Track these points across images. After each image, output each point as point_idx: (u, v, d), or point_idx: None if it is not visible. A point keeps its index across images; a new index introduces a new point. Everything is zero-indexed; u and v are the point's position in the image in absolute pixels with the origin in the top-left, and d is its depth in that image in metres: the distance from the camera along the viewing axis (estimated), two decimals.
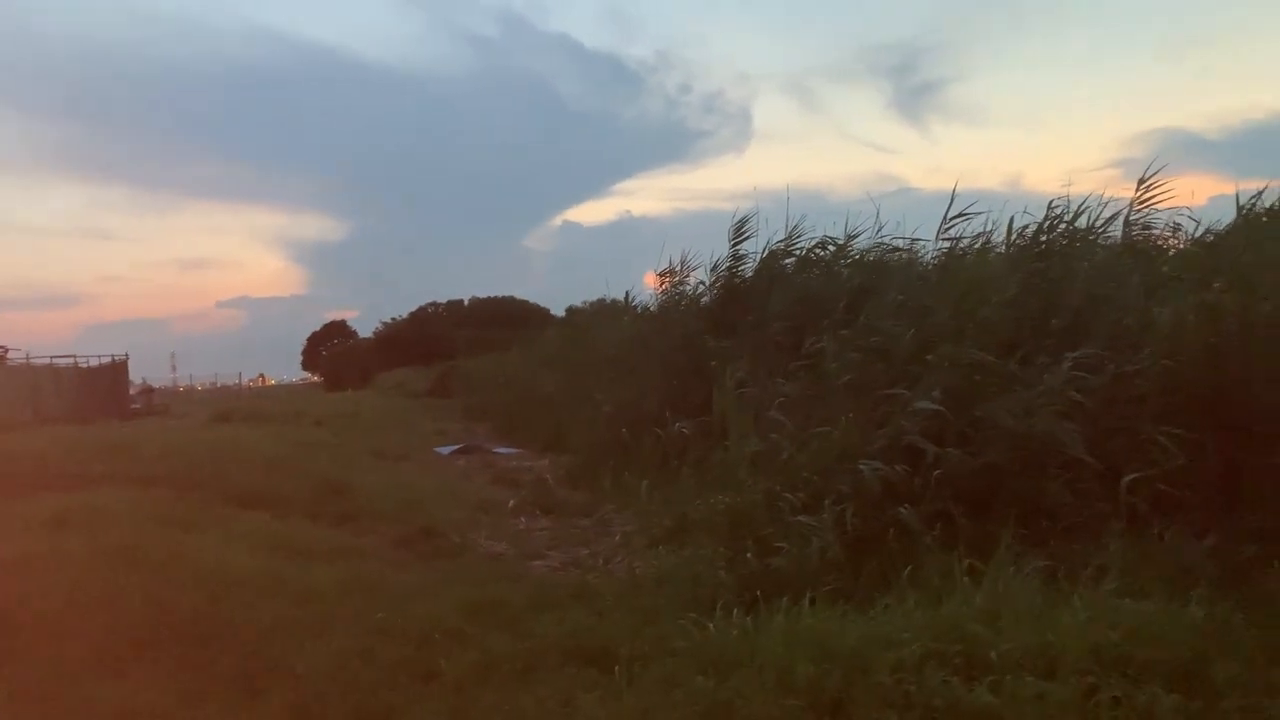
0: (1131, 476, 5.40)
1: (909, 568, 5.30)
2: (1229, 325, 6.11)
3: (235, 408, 27.54)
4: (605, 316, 19.89)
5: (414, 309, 55.16)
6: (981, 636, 3.99)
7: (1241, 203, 8.77)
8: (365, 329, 57.70)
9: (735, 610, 5.17)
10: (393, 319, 54.94)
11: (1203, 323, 6.18)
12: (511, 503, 10.21)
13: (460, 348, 35.51)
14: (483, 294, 53.84)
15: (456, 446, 16.82)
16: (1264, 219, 9.43)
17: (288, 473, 11.47)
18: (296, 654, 4.99)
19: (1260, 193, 8.89)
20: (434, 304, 55.45)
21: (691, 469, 8.47)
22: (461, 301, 54.63)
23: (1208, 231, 9.58)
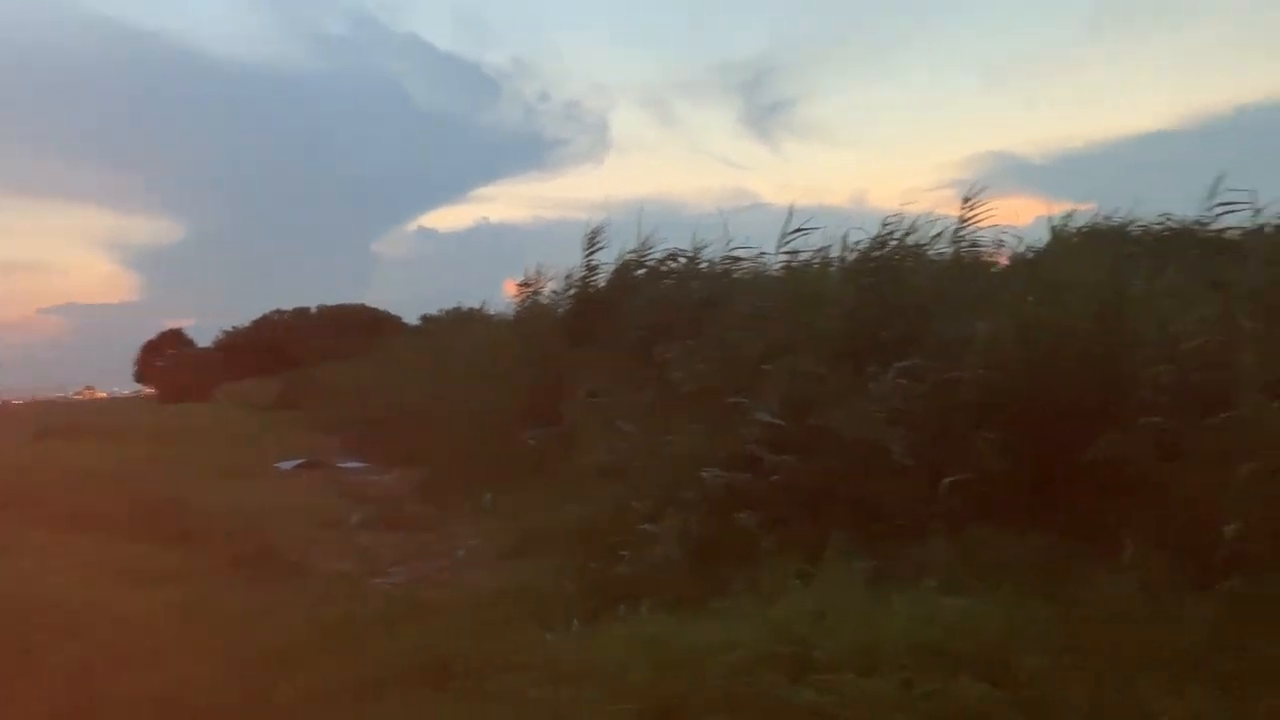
0: (950, 479, 5.73)
1: (747, 572, 5.46)
2: (1040, 336, 6.57)
3: (59, 422, 25.62)
4: (461, 325, 19.65)
5: (257, 317, 52.78)
6: (809, 637, 4.15)
7: (1054, 224, 9.45)
8: (204, 338, 54.72)
9: (577, 620, 5.20)
10: (234, 327, 52.37)
11: (1017, 334, 6.63)
12: (356, 518, 9.93)
13: (308, 358, 34.23)
14: (332, 301, 52.01)
15: (300, 461, 16.19)
16: (1074, 239, 10.27)
17: (115, 491, 10.78)
18: (117, 685, 4.70)
19: (1069, 215, 9.63)
20: (279, 311, 53.21)
21: (542, 480, 8.46)
22: (309, 309, 52.65)
23: (1028, 249, 10.35)
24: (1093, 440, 5.92)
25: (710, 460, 6.55)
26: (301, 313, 53.32)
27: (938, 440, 6.23)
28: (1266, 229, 8.81)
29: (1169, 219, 10.73)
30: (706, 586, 5.56)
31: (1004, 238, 10.10)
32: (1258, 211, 8.36)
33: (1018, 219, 10.20)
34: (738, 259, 11.14)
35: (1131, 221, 10.95)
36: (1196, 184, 8.83)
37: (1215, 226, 9.48)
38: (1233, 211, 8.84)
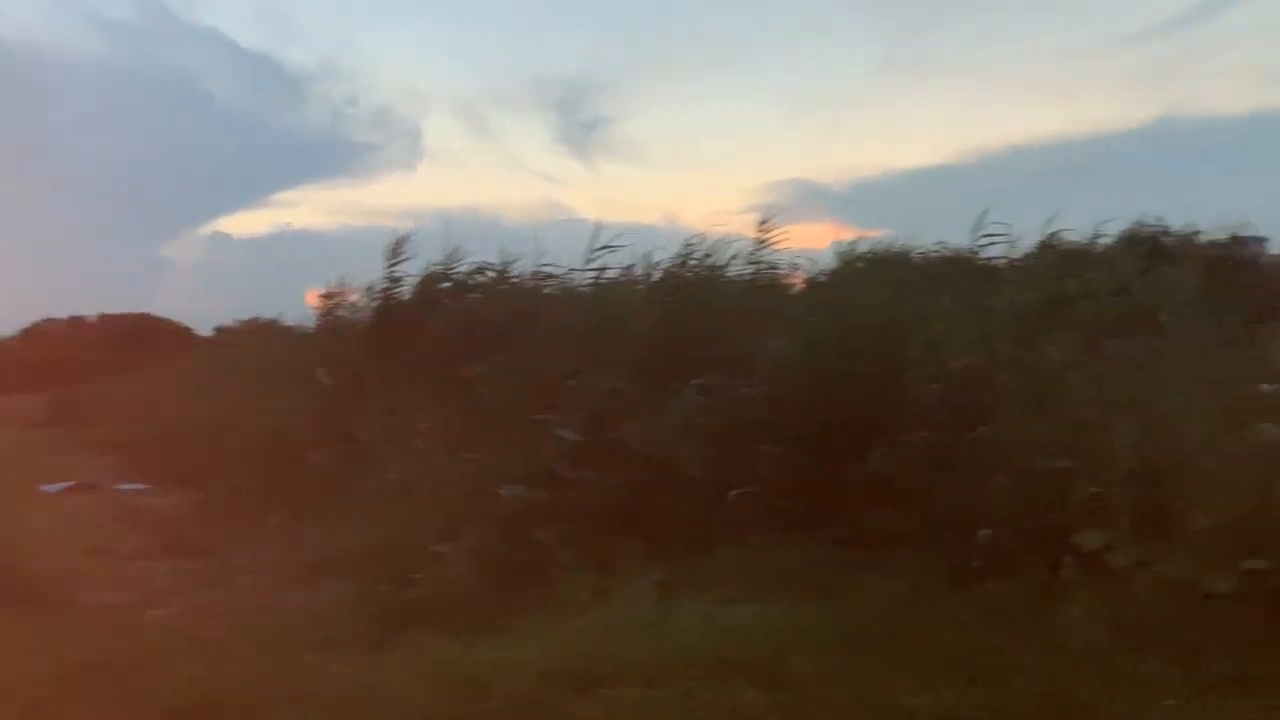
0: (738, 491, 5.95)
1: (543, 589, 5.46)
2: (823, 356, 6.94)
3: None
4: (258, 337, 18.62)
5: (26, 326, 48.06)
6: (597, 652, 4.18)
7: (841, 250, 10.03)
8: None
9: (365, 647, 5.03)
10: None
11: (802, 353, 6.98)
12: (130, 545, 9.17)
13: (85, 371, 31.51)
14: (112, 310, 48.12)
15: (70, 483, 14.82)
16: (860, 264, 10.94)
17: None
18: None
19: (855, 241, 10.27)
20: (51, 320, 48.69)
21: (334, 502, 8.13)
22: (86, 318, 48.49)
23: (821, 272, 10.94)
24: (870, 453, 6.31)
25: (510, 478, 6.51)
26: (78, 322, 49.02)
27: (728, 454, 6.46)
28: (1022, 258, 9.76)
29: (944, 247, 11.63)
30: (501, 606, 5.51)
31: (800, 261, 10.65)
32: (1012, 244, 9.23)
33: (818, 243, 10.83)
34: (547, 275, 11.16)
35: (912, 249, 11.80)
36: (972, 215, 9.68)
37: (984, 255, 10.38)
38: (995, 242, 9.74)
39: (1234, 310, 7.25)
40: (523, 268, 11.26)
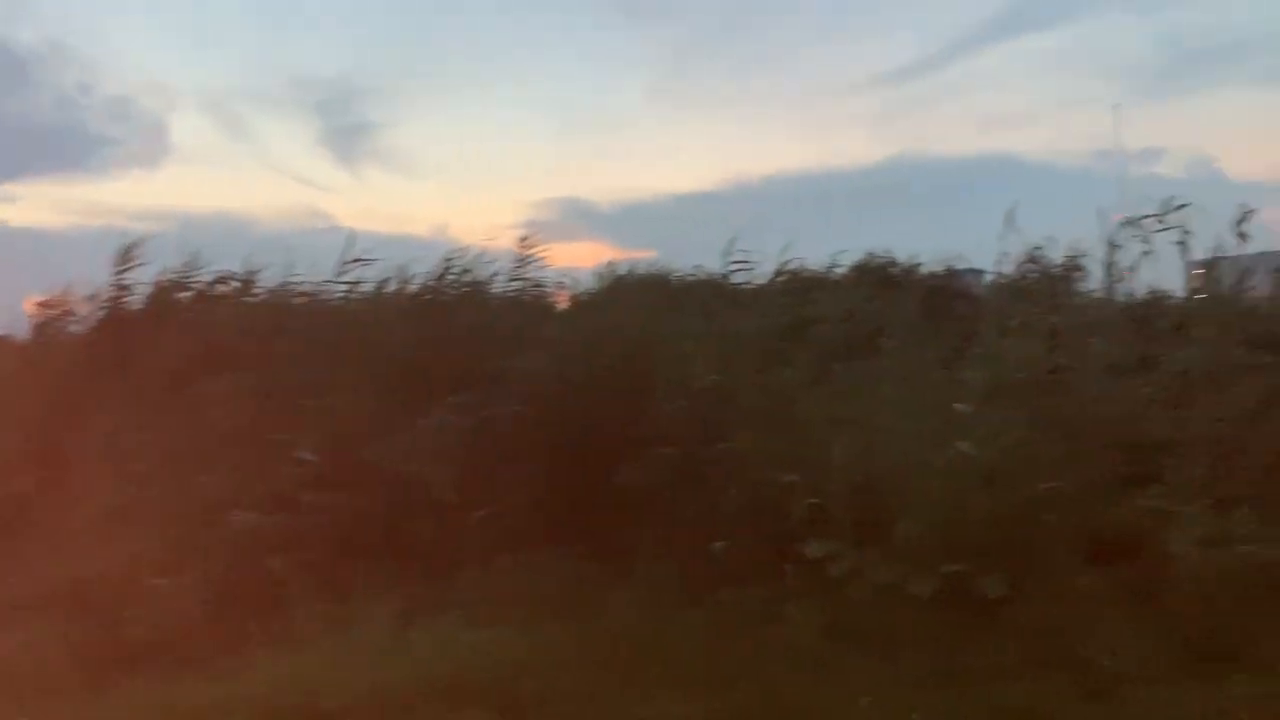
0: (483, 512, 5.90)
1: (276, 620, 5.15)
2: (575, 373, 7.03)
3: None
4: None
5: None
6: (321, 684, 3.99)
7: (600, 270, 10.25)
8: None
9: (83, 691, 4.55)
10: None
11: (556, 371, 7.03)
12: None
13: None
14: None
15: None
16: (621, 284, 11.22)
17: None
18: None
19: (614, 262, 10.53)
20: None
21: (38, 534, 7.29)
22: None
23: (585, 291, 11.10)
24: (618, 469, 6.45)
25: (241, 503, 6.11)
26: None
27: (478, 474, 6.39)
28: (767, 283, 10.40)
29: (700, 270, 12.15)
30: (229, 641, 5.15)
31: (566, 279, 10.76)
32: (758, 270, 9.81)
33: (587, 261, 10.97)
34: (298, 286, 10.59)
35: (671, 272, 12.24)
36: (736, 238, 10.21)
37: (733, 280, 10.94)
38: (742, 268, 10.31)
39: (946, 336, 8.07)
40: (271, 277, 10.63)
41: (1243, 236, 7.30)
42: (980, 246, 9.67)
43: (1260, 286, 8.03)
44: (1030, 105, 32.20)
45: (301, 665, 4.32)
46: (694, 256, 11.54)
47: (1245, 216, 7.28)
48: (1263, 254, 8.87)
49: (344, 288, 9.64)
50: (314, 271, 10.51)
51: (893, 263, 11.92)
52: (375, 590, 5.26)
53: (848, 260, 11.73)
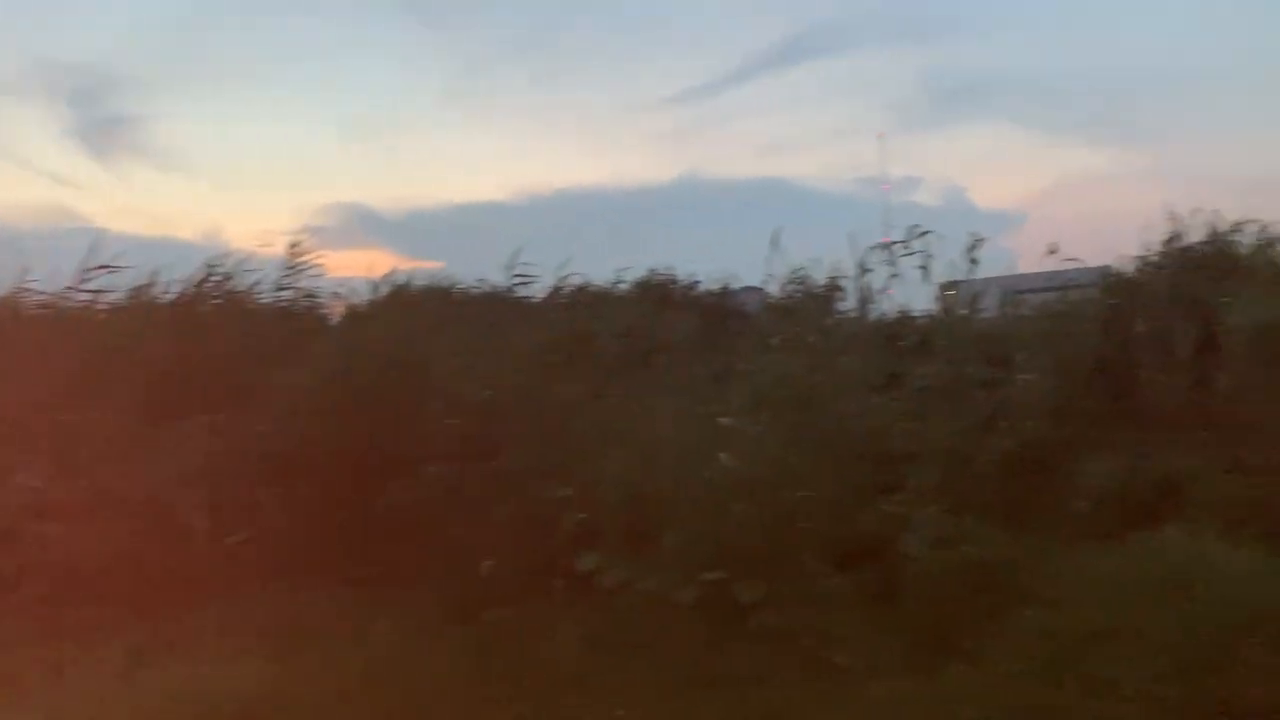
0: (236, 539, 5.55)
1: None
2: (342, 389, 6.75)
3: None
4: None
5: None
6: None
7: (374, 282, 9.94)
8: None
9: None
10: None
11: (320, 387, 6.73)
12: None
13: None
14: None
15: None
16: (400, 296, 10.90)
17: None
18: None
19: (391, 273, 10.27)
20: None
21: None
22: None
23: (362, 302, 10.68)
24: (386, 489, 6.24)
25: None
26: None
27: (233, 498, 6.01)
28: (550, 298, 10.44)
29: (484, 282, 12.01)
30: None
31: (342, 289, 10.32)
32: (542, 284, 9.84)
33: (370, 270, 10.47)
34: (33, 292, 9.58)
35: (454, 283, 12.02)
36: (521, 252, 10.17)
37: (519, 293, 10.90)
38: (525, 282, 10.31)
39: (719, 352, 8.38)
40: (1, 282, 9.56)
41: (974, 262, 8.05)
42: (755, 267, 10.11)
43: (990, 308, 8.87)
44: (805, 132, 34.06)
45: (15, 719, 3.88)
46: (482, 268, 11.43)
47: (976, 244, 8.04)
48: (997, 278, 9.84)
49: (87, 294, 8.82)
50: (57, 276, 9.58)
51: (673, 280, 12.29)
52: (106, 630, 4.81)
53: (631, 277, 11.99)
